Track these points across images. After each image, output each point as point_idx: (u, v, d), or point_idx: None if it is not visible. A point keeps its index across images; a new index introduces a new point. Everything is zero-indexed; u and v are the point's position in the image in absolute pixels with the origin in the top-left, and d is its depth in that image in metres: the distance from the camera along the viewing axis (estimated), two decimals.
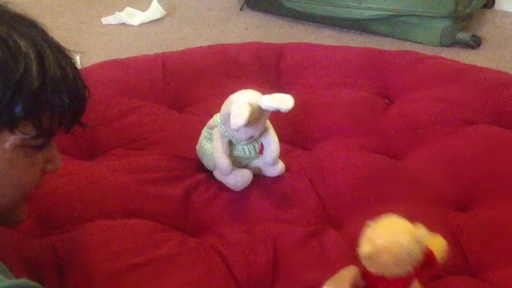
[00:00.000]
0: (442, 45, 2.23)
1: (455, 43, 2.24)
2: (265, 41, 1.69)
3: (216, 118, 1.09)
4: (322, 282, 0.82)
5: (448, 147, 1.24)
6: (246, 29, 2.44)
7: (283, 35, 2.36)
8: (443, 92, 1.42)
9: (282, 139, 1.12)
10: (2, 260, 0.70)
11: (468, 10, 2.24)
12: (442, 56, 1.75)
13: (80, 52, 2.17)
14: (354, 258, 0.96)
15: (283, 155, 1.13)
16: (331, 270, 0.86)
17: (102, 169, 1.14)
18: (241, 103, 1.01)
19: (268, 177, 1.13)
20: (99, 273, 0.92)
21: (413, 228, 0.81)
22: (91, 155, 1.21)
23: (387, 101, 1.43)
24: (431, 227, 1.03)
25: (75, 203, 1.05)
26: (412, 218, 1.04)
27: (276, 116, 1.09)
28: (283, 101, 1.01)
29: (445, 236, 1.01)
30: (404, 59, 1.58)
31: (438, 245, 0.83)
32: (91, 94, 0.82)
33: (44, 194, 1.05)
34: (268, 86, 1.40)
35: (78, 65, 2.13)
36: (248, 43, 1.69)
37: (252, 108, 1.00)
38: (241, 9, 2.59)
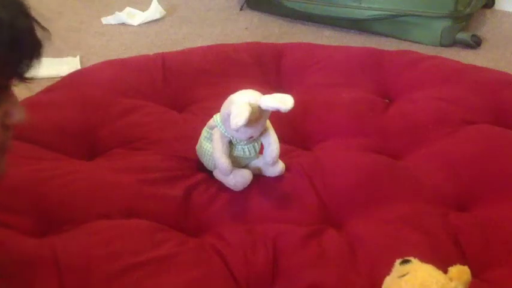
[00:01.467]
0: (442, 45, 2.23)
1: (455, 43, 2.24)
2: (265, 41, 1.70)
3: (216, 118, 1.09)
4: (322, 282, 0.82)
5: (448, 147, 1.24)
6: (246, 29, 2.44)
7: (283, 35, 2.36)
8: (443, 91, 1.42)
9: (281, 139, 1.12)
10: None
11: (468, 10, 2.24)
12: (442, 56, 1.75)
13: (80, 52, 2.17)
14: (353, 257, 0.96)
15: (283, 155, 1.13)
16: (331, 270, 0.86)
17: (101, 169, 1.14)
18: (241, 103, 1.01)
19: (268, 177, 1.13)
20: (98, 273, 0.91)
21: (443, 278, 0.81)
22: (91, 155, 1.21)
23: (387, 101, 1.43)
24: (431, 227, 1.03)
25: (74, 202, 1.05)
26: (412, 218, 1.05)
27: (276, 116, 1.09)
28: (283, 101, 1.01)
29: (444, 236, 1.02)
30: (404, 58, 1.58)
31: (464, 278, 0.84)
32: (49, 36, 0.75)
33: (43, 194, 1.05)
34: (268, 86, 1.40)
35: (78, 65, 2.14)
36: (248, 43, 1.69)
37: (252, 108, 1.00)
38: (241, 9, 2.59)
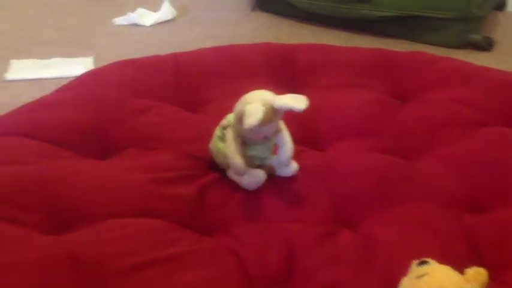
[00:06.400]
0: (454, 47, 2.22)
1: (467, 45, 2.23)
2: (276, 42, 1.70)
3: (230, 118, 1.10)
4: (337, 282, 0.82)
5: (462, 148, 1.24)
6: (256, 29, 2.45)
7: (294, 36, 2.36)
8: (455, 93, 1.42)
9: (294, 139, 1.12)
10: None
11: (480, 12, 2.23)
12: (455, 57, 1.75)
13: (92, 52, 2.18)
14: (368, 258, 0.96)
15: (295, 156, 1.13)
16: (346, 270, 0.86)
17: (115, 168, 1.14)
18: (254, 103, 1.01)
19: (282, 177, 1.13)
20: (112, 270, 0.92)
21: (460, 280, 0.81)
22: (104, 154, 1.22)
23: (400, 102, 1.43)
24: (445, 229, 1.03)
25: (88, 201, 1.06)
26: (426, 220, 1.04)
27: (288, 116, 1.09)
28: (296, 101, 1.01)
29: (459, 238, 1.01)
30: (417, 60, 1.58)
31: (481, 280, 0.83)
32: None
33: (57, 192, 1.06)
34: (280, 86, 1.40)
35: (91, 65, 2.16)
36: (260, 44, 1.69)
37: (266, 108, 1.00)
38: (252, 10, 2.60)
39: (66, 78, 1.61)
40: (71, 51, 2.18)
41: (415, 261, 0.86)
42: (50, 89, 1.48)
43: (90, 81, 1.47)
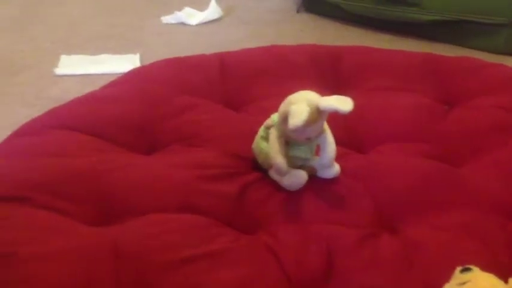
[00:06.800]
0: (503, 53, 2.17)
1: None
2: (320, 44, 1.69)
3: (274, 118, 1.10)
4: (376, 286, 0.81)
5: (507, 155, 1.21)
6: (301, 31, 2.44)
7: (339, 38, 2.35)
8: (504, 100, 1.39)
9: (337, 141, 1.11)
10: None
11: None
12: (503, 63, 1.71)
13: (140, 50, 2.22)
14: (408, 263, 0.95)
15: (338, 158, 1.12)
16: (386, 274, 0.85)
17: (159, 164, 1.16)
18: (299, 104, 1.01)
19: (323, 178, 1.12)
20: (153, 263, 0.93)
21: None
22: (149, 149, 1.24)
23: (446, 107, 1.40)
24: (489, 237, 1.01)
25: (132, 195, 1.08)
26: (469, 226, 1.03)
27: (332, 118, 1.09)
28: (342, 103, 1.01)
29: (503, 247, 0.99)
30: (465, 65, 1.55)
31: None
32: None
33: (103, 185, 1.08)
34: (325, 88, 1.40)
35: (138, 62, 2.20)
36: (305, 45, 1.69)
37: (311, 109, 1.00)
38: (297, 12, 2.60)
39: (114, 74, 1.65)
40: (119, 48, 2.23)
41: (458, 268, 0.85)
42: (98, 85, 1.51)
43: (138, 78, 1.50)
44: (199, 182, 1.10)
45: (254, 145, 1.16)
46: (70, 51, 2.27)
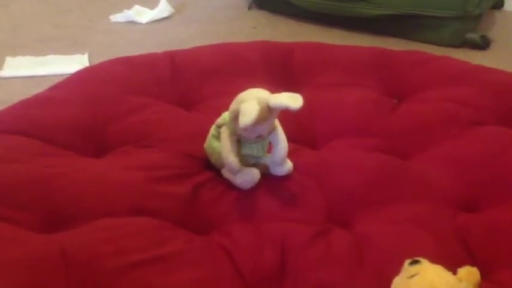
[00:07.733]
0: (452, 46, 2.22)
1: (464, 44, 2.23)
2: (273, 40, 1.69)
3: (225, 116, 1.09)
4: (330, 282, 0.82)
5: (457, 147, 1.24)
6: (254, 28, 2.44)
7: (292, 35, 2.36)
8: (452, 92, 1.42)
9: (289, 138, 1.11)
10: None
11: (478, 11, 2.23)
12: (451, 56, 1.75)
13: (88, 49, 2.18)
14: (361, 258, 0.96)
15: (290, 154, 1.13)
16: (339, 270, 0.86)
17: (109, 166, 1.14)
18: (249, 102, 1.01)
19: (276, 176, 1.12)
20: (105, 268, 0.91)
21: (452, 279, 0.81)
22: (99, 152, 1.21)
23: (395, 101, 1.42)
24: (439, 228, 1.03)
25: (82, 199, 1.05)
26: (419, 219, 1.04)
27: (284, 115, 1.09)
28: (292, 100, 1.01)
29: (452, 238, 1.01)
30: (413, 58, 1.58)
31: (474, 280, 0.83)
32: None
33: (52, 190, 1.06)
34: (276, 85, 1.40)
35: (87, 62, 2.15)
36: (256, 42, 1.69)
37: (261, 107, 1.00)
38: (249, 8, 2.60)
39: (62, 75, 1.61)
40: (66, 49, 2.18)
41: (407, 261, 0.86)
42: (44, 86, 1.47)
43: (85, 79, 1.46)
44: (151, 184, 1.08)
45: (206, 144, 1.15)
46: (15, 53, 2.20)
